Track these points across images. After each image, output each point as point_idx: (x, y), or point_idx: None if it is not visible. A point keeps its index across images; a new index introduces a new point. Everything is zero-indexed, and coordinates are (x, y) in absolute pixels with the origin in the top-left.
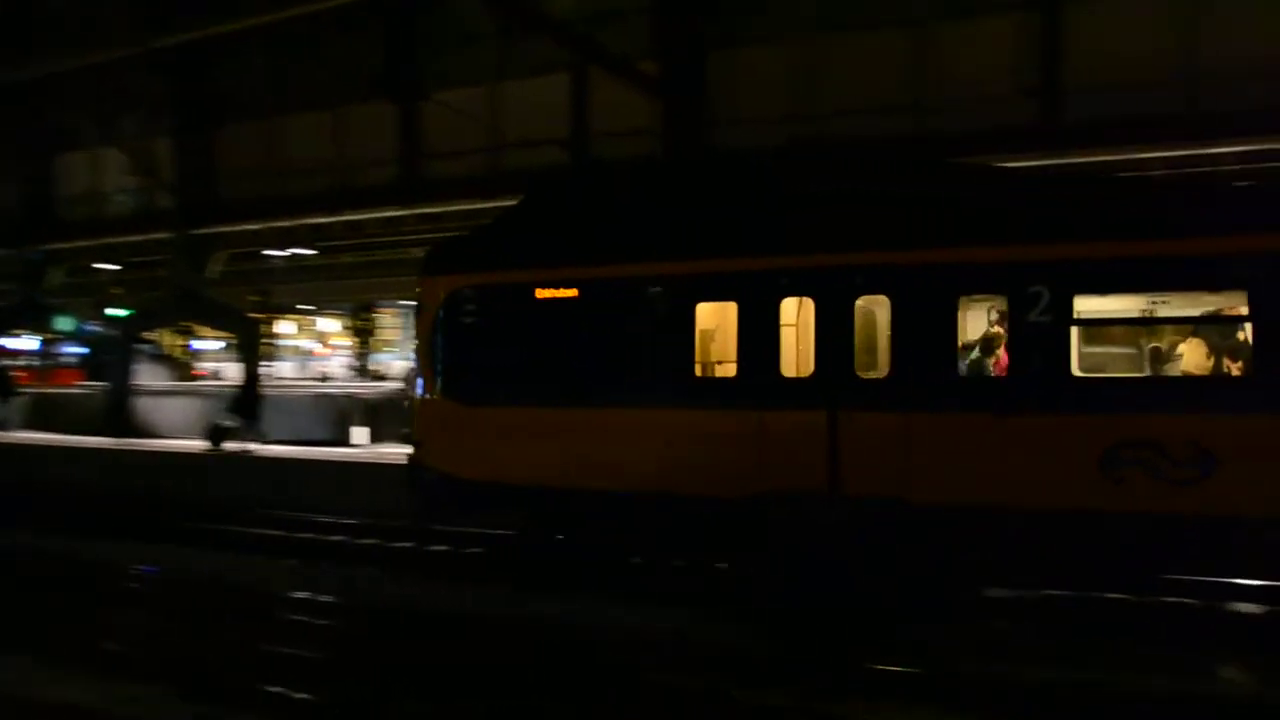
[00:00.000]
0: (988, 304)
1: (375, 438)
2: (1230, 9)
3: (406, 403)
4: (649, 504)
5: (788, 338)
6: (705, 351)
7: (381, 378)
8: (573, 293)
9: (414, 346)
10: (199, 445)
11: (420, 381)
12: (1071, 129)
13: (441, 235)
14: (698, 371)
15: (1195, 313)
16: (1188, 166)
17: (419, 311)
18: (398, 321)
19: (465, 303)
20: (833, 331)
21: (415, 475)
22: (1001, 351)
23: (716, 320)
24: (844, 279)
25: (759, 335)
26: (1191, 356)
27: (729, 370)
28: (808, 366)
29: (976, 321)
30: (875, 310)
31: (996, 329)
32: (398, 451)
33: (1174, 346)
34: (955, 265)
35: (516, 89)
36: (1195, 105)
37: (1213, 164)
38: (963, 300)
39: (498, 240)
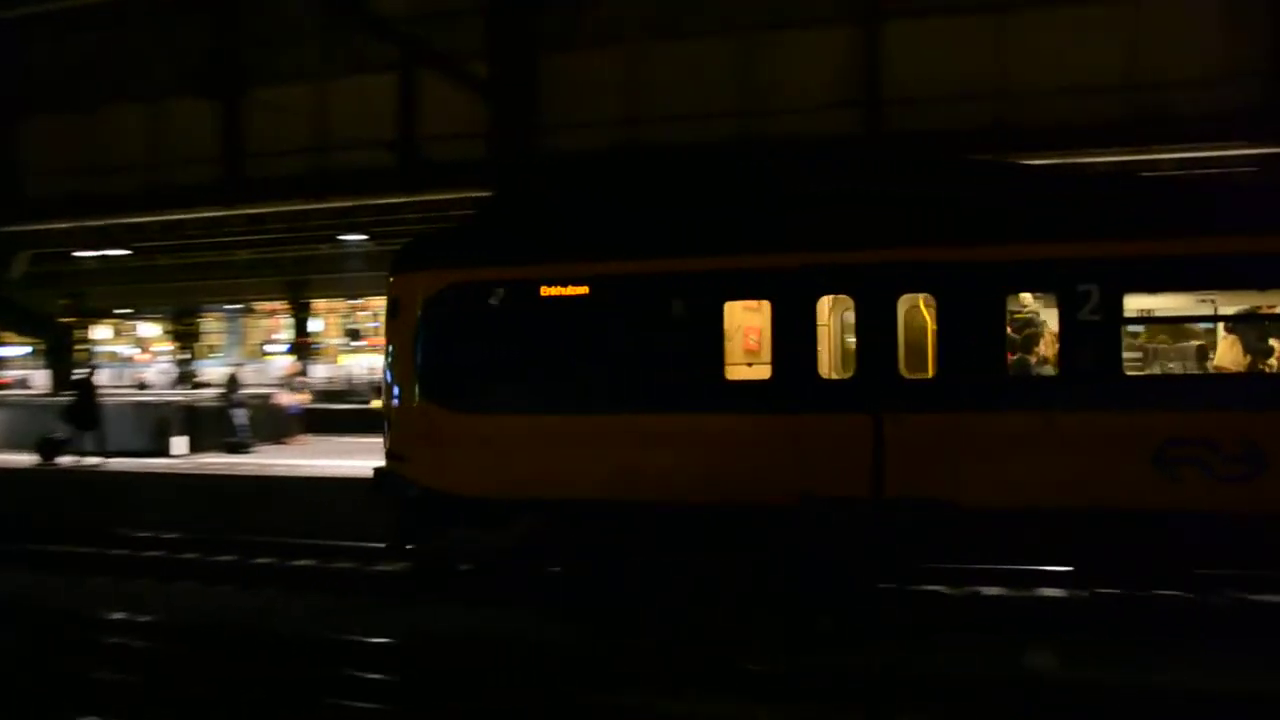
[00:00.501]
0: (1037, 302)
1: (195, 447)
2: (1034, 33)
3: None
4: (679, 513)
5: (827, 337)
6: (737, 352)
7: (203, 385)
8: (583, 290)
9: (389, 350)
10: (18, 460)
11: (396, 389)
12: (891, 139)
13: (266, 237)
14: (730, 375)
15: (1245, 310)
16: None
17: (395, 311)
18: (222, 326)
19: (458, 300)
20: (876, 331)
21: (393, 492)
22: (1049, 350)
23: (749, 320)
24: (880, 277)
25: (797, 335)
26: (1238, 353)
27: (764, 372)
28: (849, 367)
29: (1023, 319)
30: (920, 309)
31: (1044, 327)
32: (219, 461)
33: (1222, 344)
34: (1004, 263)
35: (344, 87)
36: (1003, 120)
37: None
38: (1010, 298)
39: (493, 232)
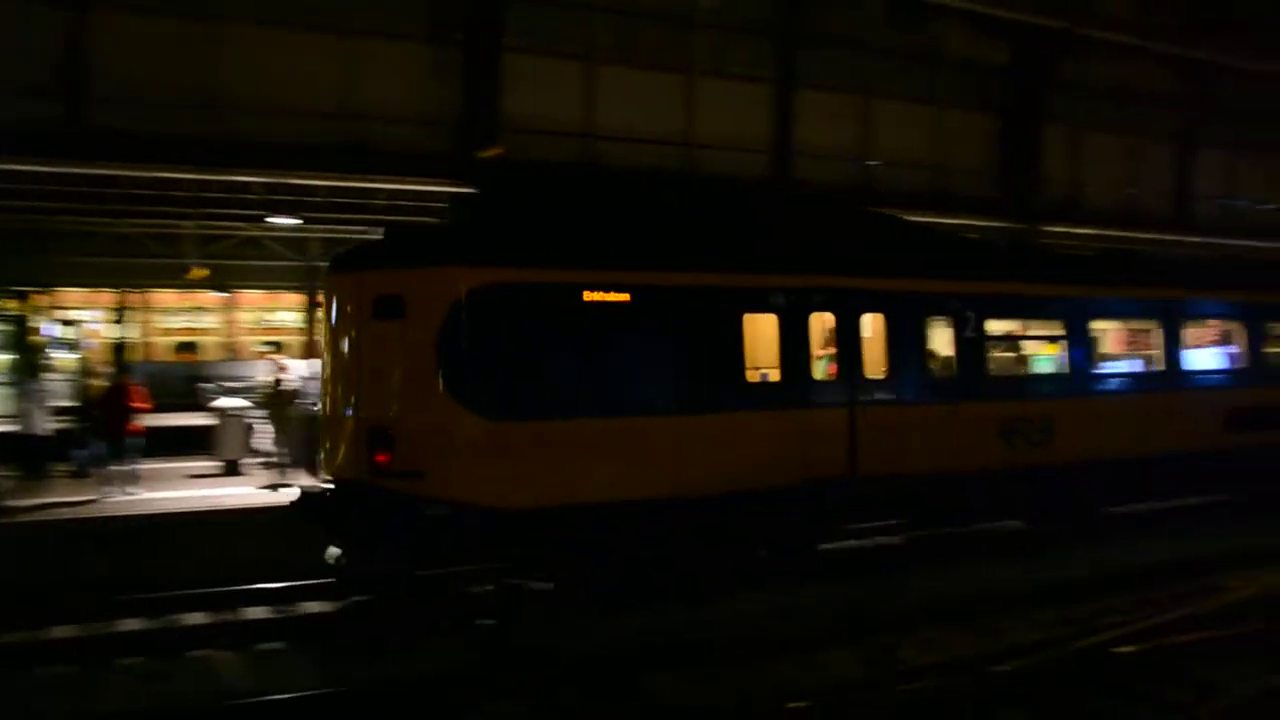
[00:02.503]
0: (942, 322)
1: None
2: (249, 48)
3: None
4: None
5: (816, 346)
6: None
7: None
8: (626, 297)
9: (378, 354)
10: None
11: (399, 398)
12: (93, 136)
13: None
14: (752, 377)
15: (1049, 332)
16: (211, 191)
17: (391, 310)
18: None
19: (499, 301)
20: (847, 342)
21: (404, 513)
22: (951, 356)
23: (768, 329)
24: (851, 299)
25: (797, 343)
26: (1042, 363)
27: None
28: (831, 370)
29: (936, 334)
30: (877, 324)
31: (948, 341)
32: None
33: (1034, 355)
34: (920, 294)
35: None
36: (218, 128)
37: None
38: (928, 318)
39: (528, 233)
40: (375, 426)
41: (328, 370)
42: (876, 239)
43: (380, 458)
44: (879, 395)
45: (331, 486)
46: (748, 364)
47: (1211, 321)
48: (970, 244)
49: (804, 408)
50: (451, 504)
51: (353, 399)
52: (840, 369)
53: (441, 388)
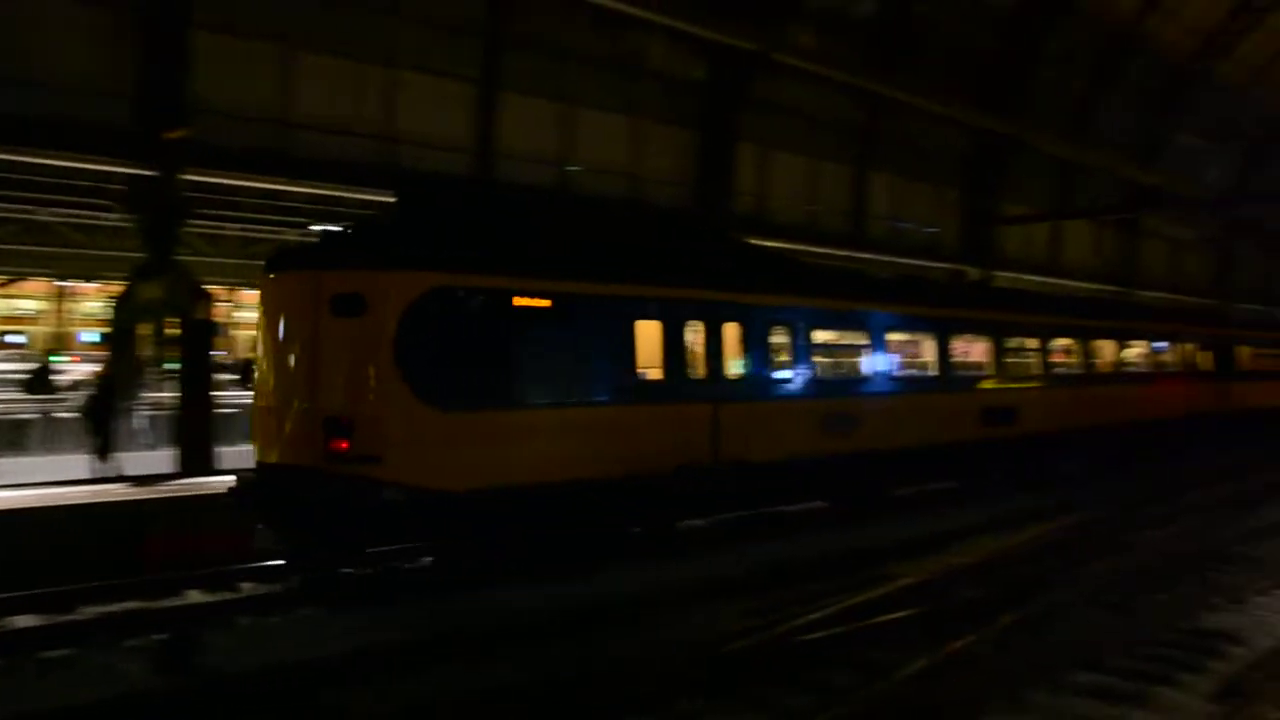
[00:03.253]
0: (782, 330)
1: None
2: None
3: None
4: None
5: (690, 349)
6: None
7: None
8: (547, 303)
9: (339, 347)
10: None
11: (353, 388)
12: None
13: None
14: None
15: (856, 341)
16: None
17: (349, 308)
18: None
19: (445, 302)
20: (713, 346)
21: (362, 495)
22: (789, 360)
23: (654, 334)
24: (715, 310)
25: (676, 346)
26: (850, 366)
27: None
28: (702, 371)
29: (778, 340)
30: (735, 331)
31: (784, 347)
32: None
33: (845, 359)
34: (766, 306)
35: None
36: None
37: None
38: (772, 327)
39: (467, 240)
40: (333, 415)
41: (270, 362)
42: (734, 259)
43: (338, 444)
44: (737, 392)
45: (258, 474)
46: (640, 364)
47: (970, 335)
48: (802, 265)
49: (681, 402)
50: (406, 487)
51: (306, 390)
52: (707, 369)
53: (399, 380)
